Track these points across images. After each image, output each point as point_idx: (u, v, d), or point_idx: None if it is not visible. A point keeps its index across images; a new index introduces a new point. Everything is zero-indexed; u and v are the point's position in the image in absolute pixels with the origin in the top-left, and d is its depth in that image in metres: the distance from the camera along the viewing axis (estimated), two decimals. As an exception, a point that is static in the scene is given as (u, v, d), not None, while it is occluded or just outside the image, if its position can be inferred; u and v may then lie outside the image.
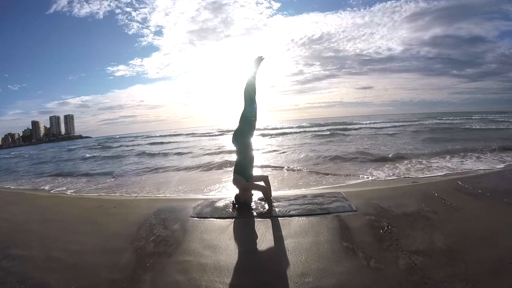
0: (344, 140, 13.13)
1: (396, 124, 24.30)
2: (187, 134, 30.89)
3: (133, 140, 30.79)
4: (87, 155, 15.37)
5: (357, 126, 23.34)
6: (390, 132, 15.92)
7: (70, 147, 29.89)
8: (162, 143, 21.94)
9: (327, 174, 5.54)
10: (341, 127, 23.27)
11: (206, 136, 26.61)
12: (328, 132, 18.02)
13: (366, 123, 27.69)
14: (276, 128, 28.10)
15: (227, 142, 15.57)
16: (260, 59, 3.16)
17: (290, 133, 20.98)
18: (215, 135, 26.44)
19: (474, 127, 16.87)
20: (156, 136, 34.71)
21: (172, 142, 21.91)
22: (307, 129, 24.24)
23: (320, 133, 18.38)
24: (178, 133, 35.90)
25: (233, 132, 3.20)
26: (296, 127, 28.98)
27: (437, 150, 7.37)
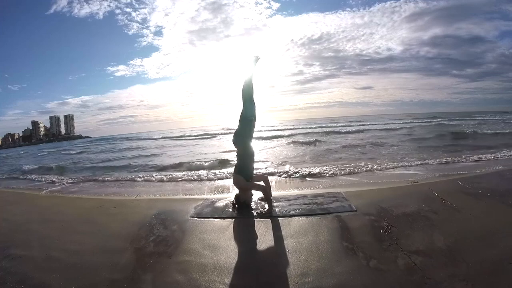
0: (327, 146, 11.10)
1: (392, 126, 20.86)
2: (175, 137, 27.58)
3: (114, 143, 28.56)
4: (26, 168, 11.77)
5: (344, 130, 20.08)
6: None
7: (40, 153, 25.47)
8: (141, 148, 18.58)
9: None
10: (327, 130, 20.63)
11: (191, 139, 23.51)
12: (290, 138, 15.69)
13: (360, 125, 24.84)
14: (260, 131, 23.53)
15: (205, 148, 14.35)
16: (257, 58, 3.16)
17: (273, 137, 17.57)
18: (206, 138, 23.13)
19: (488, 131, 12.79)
20: (143, 139, 31.05)
21: (147, 147, 18.57)
22: (294, 132, 21.33)
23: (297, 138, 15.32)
24: (169, 135, 33.34)
25: (233, 133, 3.20)
26: (275, 130, 25.58)
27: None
